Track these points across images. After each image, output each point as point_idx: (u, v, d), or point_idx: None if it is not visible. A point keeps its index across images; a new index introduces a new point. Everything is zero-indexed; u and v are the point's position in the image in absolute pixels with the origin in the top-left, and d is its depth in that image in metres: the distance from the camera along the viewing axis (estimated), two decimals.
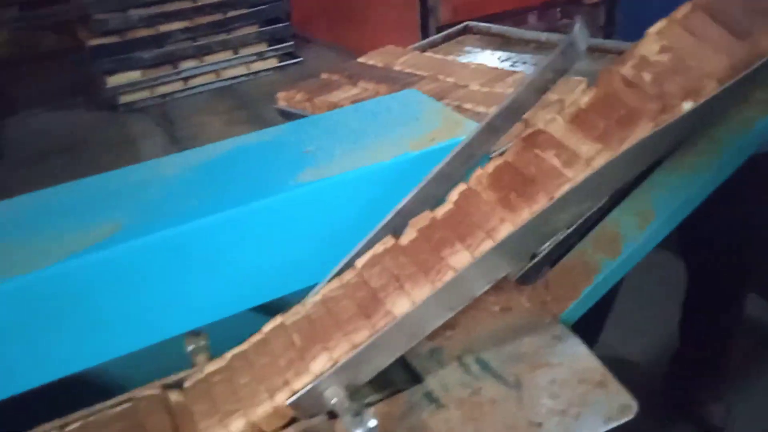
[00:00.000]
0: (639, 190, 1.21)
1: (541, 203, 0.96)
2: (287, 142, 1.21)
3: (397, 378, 1.10)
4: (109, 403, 0.99)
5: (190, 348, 1.07)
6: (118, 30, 3.59)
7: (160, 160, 1.18)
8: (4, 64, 4.42)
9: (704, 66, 0.98)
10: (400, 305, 0.96)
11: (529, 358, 1.10)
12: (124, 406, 0.98)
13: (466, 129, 1.20)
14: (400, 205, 1.08)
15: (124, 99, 3.80)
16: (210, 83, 3.95)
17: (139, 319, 1.03)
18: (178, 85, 3.87)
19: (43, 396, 1.01)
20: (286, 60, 4.10)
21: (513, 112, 1.11)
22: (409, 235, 1.04)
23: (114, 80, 3.67)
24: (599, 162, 0.96)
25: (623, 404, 1.01)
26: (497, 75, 1.85)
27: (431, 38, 2.38)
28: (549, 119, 1.05)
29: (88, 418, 0.96)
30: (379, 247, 1.05)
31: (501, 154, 1.29)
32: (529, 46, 2.33)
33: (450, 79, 1.83)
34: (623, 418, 1.00)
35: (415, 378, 1.09)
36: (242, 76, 4.02)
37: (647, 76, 1.00)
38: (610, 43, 2.20)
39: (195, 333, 1.08)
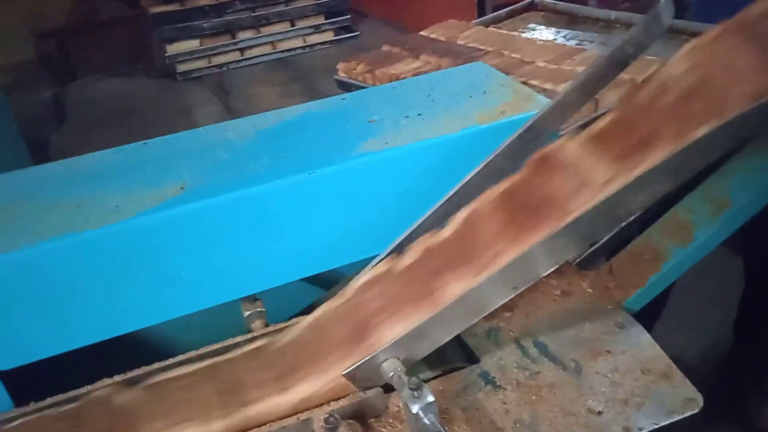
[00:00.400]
0: (715, 176, 1.15)
1: (548, 229, 0.91)
2: (352, 111, 1.20)
3: (453, 356, 1.08)
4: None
5: (246, 313, 1.07)
6: None
7: (225, 123, 1.18)
8: (67, 31, 4.54)
9: (733, 87, 0.91)
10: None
11: (590, 345, 1.07)
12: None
13: (538, 104, 1.15)
14: (465, 180, 1.05)
15: (182, 67, 3.86)
16: (266, 54, 3.98)
17: (199, 281, 1.03)
18: (234, 56, 3.91)
19: (97, 354, 1.03)
20: (342, 34, 4.09)
21: (588, 88, 1.07)
22: (411, 256, 1.00)
23: (173, 48, 3.73)
24: (613, 188, 0.89)
25: (688, 397, 0.98)
26: (564, 52, 1.79)
27: (495, 14, 2.32)
28: (563, 140, 0.99)
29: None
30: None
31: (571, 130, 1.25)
32: (596, 25, 2.25)
33: (515, 55, 1.78)
34: (687, 412, 0.96)
35: (471, 357, 1.07)
36: (298, 48, 4.03)
37: (670, 97, 0.94)
38: (681, 24, 2.10)
39: (251, 299, 1.09)
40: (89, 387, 0.95)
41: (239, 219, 1.00)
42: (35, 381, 0.97)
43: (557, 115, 1.07)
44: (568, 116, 1.08)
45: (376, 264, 1.02)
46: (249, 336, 1.02)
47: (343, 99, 1.26)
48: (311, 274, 1.11)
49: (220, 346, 1.00)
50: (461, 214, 1.00)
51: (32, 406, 0.94)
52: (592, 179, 0.92)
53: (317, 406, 0.92)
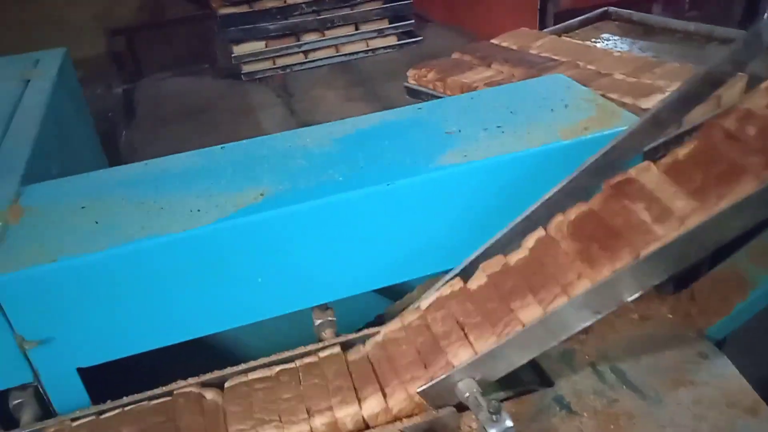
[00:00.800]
0: None
1: (624, 260, 0.86)
2: (428, 122, 1.18)
3: (526, 378, 1.05)
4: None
5: (317, 322, 1.07)
6: (248, 0, 3.70)
7: (302, 130, 1.18)
8: (135, 29, 4.67)
9: None
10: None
11: (671, 374, 1.02)
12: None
13: (624, 120, 1.11)
14: (546, 196, 1.02)
15: (247, 68, 3.91)
16: (329, 57, 4.00)
17: (274, 288, 1.03)
18: (298, 58, 3.94)
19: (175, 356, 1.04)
20: (405, 39, 4.07)
21: (681, 106, 1.02)
22: (479, 280, 0.98)
23: (240, 49, 3.79)
24: (693, 222, 0.84)
25: None
26: (643, 64, 1.72)
27: (567, 22, 2.26)
28: (642, 167, 0.94)
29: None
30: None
31: (656, 149, 1.20)
32: (674, 37, 2.16)
33: (591, 67, 1.72)
34: None
35: (545, 380, 1.04)
36: (361, 52, 4.04)
37: (752, 130, 0.90)
38: None
39: (323, 307, 1.08)
40: (178, 383, 0.97)
41: (317, 227, 1.00)
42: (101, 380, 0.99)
43: (646, 133, 1.03)
44: (657, 135, 1.04)
45: (442, 285, 1.01)
46: (323, 344, 1.02)
47: (419, 109, 1.24)
48: (385, 285, 1.10)
49: (296, 353, 1.01)
50: (532, 238, 0.98)
51: (125, 399, 0.96)
52: (671, 212, 0.88)
53: (388, 423, 0.91)
